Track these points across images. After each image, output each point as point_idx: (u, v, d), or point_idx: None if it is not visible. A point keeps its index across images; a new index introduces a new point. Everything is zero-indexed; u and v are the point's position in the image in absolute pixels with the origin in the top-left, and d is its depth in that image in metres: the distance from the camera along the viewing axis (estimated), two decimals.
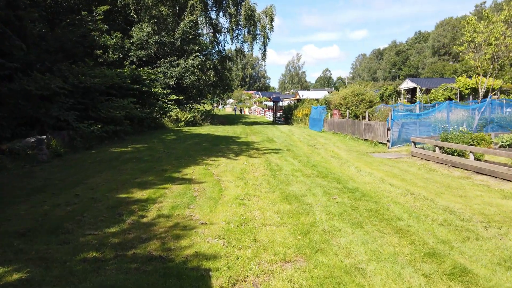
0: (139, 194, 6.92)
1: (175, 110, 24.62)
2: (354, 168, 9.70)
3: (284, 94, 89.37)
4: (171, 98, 23.31)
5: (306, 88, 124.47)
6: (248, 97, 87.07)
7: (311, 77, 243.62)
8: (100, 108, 14.45)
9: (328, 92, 68.93)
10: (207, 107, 34.40)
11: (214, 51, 32.77)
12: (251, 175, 8.92)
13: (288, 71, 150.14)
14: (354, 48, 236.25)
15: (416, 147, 12.06)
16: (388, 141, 13.97)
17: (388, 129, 13.90)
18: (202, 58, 27.30)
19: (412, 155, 11.92)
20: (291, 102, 56.99)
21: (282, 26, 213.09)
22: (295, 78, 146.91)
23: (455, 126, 13.42)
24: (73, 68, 14.77)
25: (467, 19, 14.96)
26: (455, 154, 10.30)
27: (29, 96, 11.88)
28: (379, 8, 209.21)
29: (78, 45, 22.72)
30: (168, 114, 22.96)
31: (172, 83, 25.67)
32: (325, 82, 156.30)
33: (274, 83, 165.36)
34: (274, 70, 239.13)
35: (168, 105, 22.80)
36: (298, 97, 65.17)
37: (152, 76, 20.50)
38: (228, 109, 78.41)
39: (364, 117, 18.80)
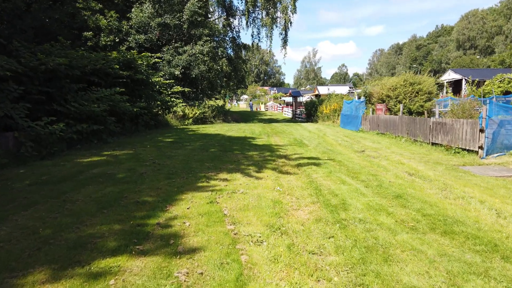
0: None
1: (181, 104, 20.58)
2: (481, 205, 5.36)
3: (300, 90, 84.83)
4: (175, 90, 19.20)
5: (322, 84, 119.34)
6: (263, 93, 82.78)
7: (326, 73, 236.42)
8: (71, 100, 10.47)
9: (349, 87, 63.89)
10: (220, 102, 30.29)
11: (227, 39, 28.58)
12: (293, 218, 4.77)
13: (303, 66, 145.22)
14: (370, 44, 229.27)
15: None
16: (480, 147, 9.55)
17: (481, 131, 9.48)
18: (213, 44, 23.15)
19: None
20: (311, 98, 52.66)
21: (298, 21, 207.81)
22: (311, 74, 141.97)
23: None
24: (33, 46, 10.86)
25: None
26: None
27: None
28: (396, 3, 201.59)
29: (65, 26, 18.98)
30: (172, 110, 18.90)
31: (177, 72, 21.60)
32: (341, 78, 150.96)
33: (288, 80, 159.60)
34: (288, 67, 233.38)
35: (172, 99, 18.71)
36: (316, 92, 60.65)
37: (150, 61, 16.37)
38: (242, 105, 74.39)
39: (429, 113, 14.32)
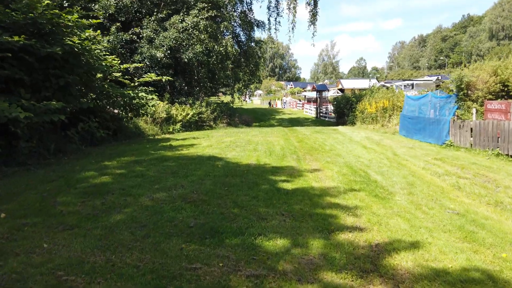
0: None
1: (165, 104, 13.63)
2: None
3: (325, 84, 77.40)
4: (146, 79, 11.97)
5: (341, 78, 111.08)
6: (279, 88, 75.32)
7: (343, 67, 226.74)
8: None
9: (377, 80, 55.84)
10: (224, 98, 23.24)
11: (236, 14, 21.41)
12: None
13: (321, 60, 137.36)
14: (387, 38, 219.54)
15: None
16: None
17: None
18: (213, 13, 15.92)
19: None
20: (337, 92, 45.32)
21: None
22: (328, 68, 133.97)
23: None
24: None
25: None
26: None
27: None
28: None
29: None
30: (142, 111, 11.69)
31: (160, 55, 14.64)
32: (359, 72, 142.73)
33: (304, 74, 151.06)
34: (304, 61, 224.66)
35: (141, 94, 11.41)
36: (340, 86, 53.50)
37: (83, 26, 9.00)
38: (256, 101, 67.26)
39: None
